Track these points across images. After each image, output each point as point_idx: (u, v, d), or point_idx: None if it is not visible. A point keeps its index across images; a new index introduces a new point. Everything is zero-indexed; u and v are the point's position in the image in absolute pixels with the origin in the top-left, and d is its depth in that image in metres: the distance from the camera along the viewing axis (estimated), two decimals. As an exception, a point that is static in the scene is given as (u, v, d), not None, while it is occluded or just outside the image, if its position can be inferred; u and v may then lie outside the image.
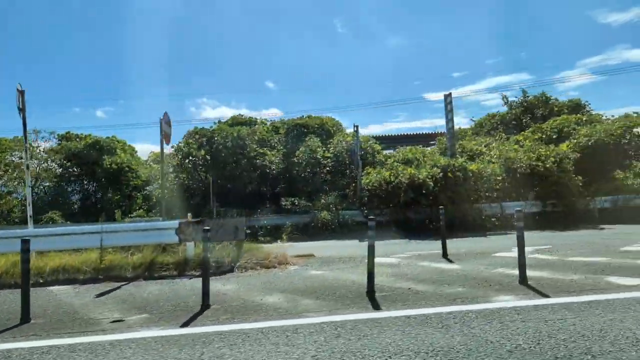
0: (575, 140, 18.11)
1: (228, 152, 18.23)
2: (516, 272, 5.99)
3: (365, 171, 17.65)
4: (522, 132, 20.66)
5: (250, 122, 21.17)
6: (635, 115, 19.69)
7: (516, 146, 18.56)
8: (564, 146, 17.92)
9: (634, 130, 18.27)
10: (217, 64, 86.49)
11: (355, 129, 18.48)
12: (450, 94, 18.66)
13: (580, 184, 16.79)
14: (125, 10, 71.55)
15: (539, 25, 72.14)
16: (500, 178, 17.06)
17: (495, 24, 68.05)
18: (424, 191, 15.69)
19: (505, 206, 17.01)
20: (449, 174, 15.77)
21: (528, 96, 24.00)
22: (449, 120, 18.68)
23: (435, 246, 10.01)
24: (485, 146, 19.95)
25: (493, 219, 16.06)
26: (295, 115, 23.07)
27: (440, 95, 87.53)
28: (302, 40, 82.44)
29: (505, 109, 25.02)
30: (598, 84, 63.31)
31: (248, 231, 16.57)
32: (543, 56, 72.10)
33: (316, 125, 20.96)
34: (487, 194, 16.91)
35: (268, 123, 22.33)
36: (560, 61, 66.96)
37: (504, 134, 21.76)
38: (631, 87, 62.10)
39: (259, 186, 19.26)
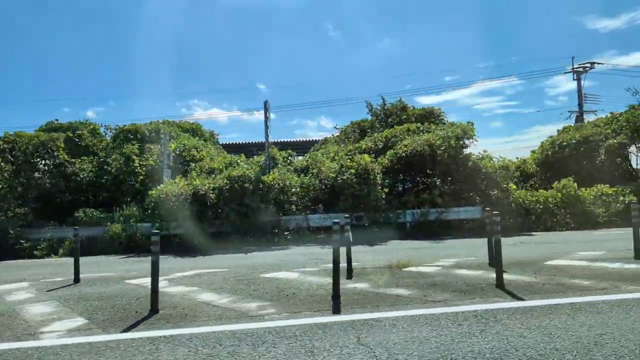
0: (393, 151, 17.53)
1: (27, 160, 17.06)
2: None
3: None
4: (359, 142, 20.05)
5: (70, 128, 19.98)
6: (470, 124, 19.34)
7: (336, 156, 17.92)
8: (390, 154, 17.40)
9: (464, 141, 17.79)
10: (209, 65, 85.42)
11: (165, 136, 17.51)
12: (266, 101, 17.93)
13: (386, 196, 16.24)
14: (112, 11, 70.09)
15: (529, 31, 72.67)
16: (309, 189, 16.38)
17: (485, 28, 68.39)
18: (208, 203, 14.85)
19: (311, 218, 16.36)
20: (236, 186, 14.95)
21: (386, 104, 23.51)
22: (267, 130, 17.96)
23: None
24: (331, 155, 19.23)
25: (286, 233, 15.33)
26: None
27: (432, 99, 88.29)
28: (293, 43, 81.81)
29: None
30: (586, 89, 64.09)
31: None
32: (533, 61, 72.66)
33: (147, 131, 19.91)
34: (293, 206, 16.22)
35: (102, 128, 21.19)
36: (550, 66, 67.87)
37: (350, 143, 21.15)
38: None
39: (72, 196, 18.12)
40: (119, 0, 70.71)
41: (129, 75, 75.08)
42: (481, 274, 7.04)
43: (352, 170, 15.88)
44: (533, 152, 21.89)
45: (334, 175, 15.85)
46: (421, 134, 18.67)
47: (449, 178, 16.98)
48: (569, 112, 32.74)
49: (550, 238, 13.14)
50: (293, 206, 15.59)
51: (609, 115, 20.71)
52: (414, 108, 23.18)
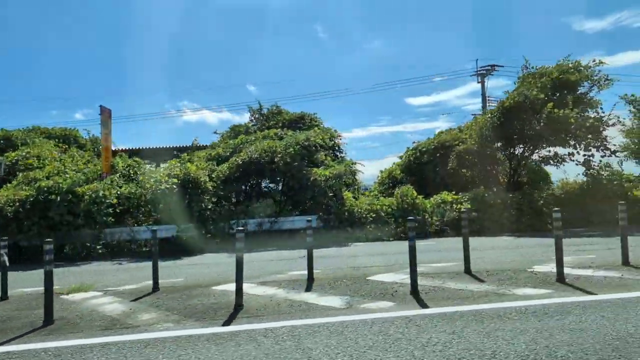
0: (233, 159, 16.97)
1: None
2: None
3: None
4: (214, 149, 19.46)
5: None
6: (318, 130, 19.01)
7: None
8: (230, 161, 16.82)
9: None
10: (199, 66, 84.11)
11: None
12: (101, 105, 17.13)
13: (220, 206, 15.69)
14: (106, 14, 68.22)
15: (517, 32, 73.40)
16: (131, 199, 15.66)
17: (474, 30, 68.68)
18: (9, 216, 13.99)
19: (136, 231, 15.66)
20: (40, 198, 14.12)
21: (263, 108, 23.02)
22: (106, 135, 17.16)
23: None
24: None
25: (99, 247, 14.60)
26: None
27: (422, 100, 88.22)
28: (283, 44, 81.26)
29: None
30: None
31: None
32: (521, 62, 73.38)
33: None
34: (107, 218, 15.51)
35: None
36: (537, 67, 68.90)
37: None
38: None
39: None
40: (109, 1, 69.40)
41: (119, 76, 73.58)
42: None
43: (175, 180, 15.23)
44: (400, 157, 21.69)
45: (149, 186, 15.17)
46: (272, 140, 18.20)
47: (289, 186, 16.51)
48: (472, 115, 32.89)
49: (350, 251, 12.75)
50: (107, 218, 14.81)
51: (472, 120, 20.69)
52: (288, 113, 22.76)
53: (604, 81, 18.76)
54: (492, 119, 17.38)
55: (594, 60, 19.04)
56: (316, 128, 19.42)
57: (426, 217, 16.17)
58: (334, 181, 15.90)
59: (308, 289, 6.88)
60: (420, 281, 6.61)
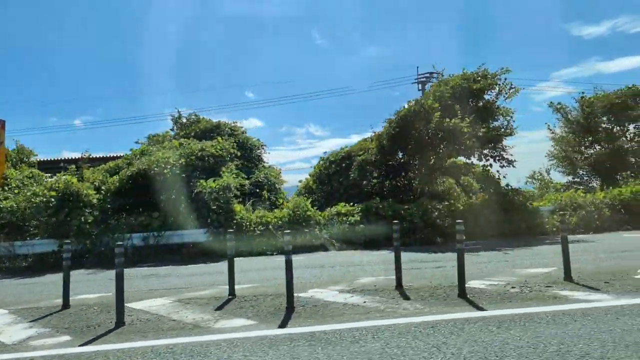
0: (124, 171, 16.65)
1: None
2: None
3: None
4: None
5: None
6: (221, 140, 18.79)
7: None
8: (121, 174, 16.50)
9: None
10: (197, 73, 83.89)
11: None
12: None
13: (106, 220, 15.37)
14: (103, 20, 67.96)
15: (515, 38, 73.69)
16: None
17: (472, 36, 68.83)
18: None
19: (17, 245, 15.32)
20: None
21: (182, 117, 22.72)
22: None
23: None
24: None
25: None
26: None
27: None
28: (282, 50, 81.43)
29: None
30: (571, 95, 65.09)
31: None
32: (520, 68, 73.56)
33: None
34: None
35: None
36: (536, 73, 69.18)
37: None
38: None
39: None
40: (113, 11, 69.60)
41: (118, 80, 73.56)
42: None
43: (53, 193, 14.90)
44: (314, 166, 21.46)
45: (22, 199, 14.82)
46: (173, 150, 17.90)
47: (175, 198, 16.20)
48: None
49: (210, 268, 12.45)
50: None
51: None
52: (208, 121, 22.47)
53: (509, 89, 18.70)
54: (389, 129, 17.19)
55: (502, 69, 18.96)
56: (219, 138, 19.12)
57: (316, 230, 15.91)
58: (220, 193, 15.59)
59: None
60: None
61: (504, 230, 16.13)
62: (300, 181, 22.22)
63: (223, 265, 11.69)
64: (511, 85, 18.79)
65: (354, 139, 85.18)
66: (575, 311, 5.27)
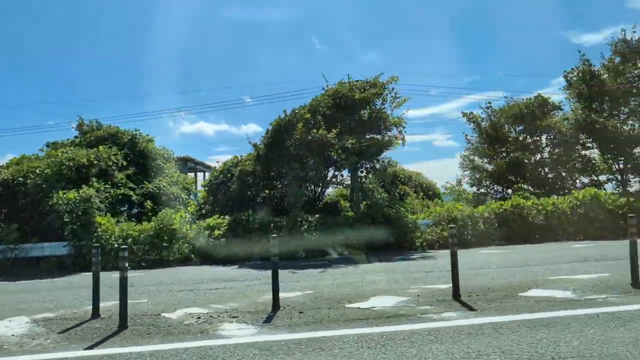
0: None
1: None
2: None
3: None
4: None
5: None
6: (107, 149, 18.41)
7: None
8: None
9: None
10: (196, 79, 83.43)
11: None
12: None
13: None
14: (100, 24, 67.48)
15: (515, 45, 73.66)
16: None
17: (471, 43, 68.70)
18: None
19: None
20: None
21: (84, 124, 22.32)
22: None
23: None
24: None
25: None
26: None
27: (418, 112, 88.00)
28: (281, 56, 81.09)
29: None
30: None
31: None
32: (519, 75, 73.51)
33: None
34: None
35: None
36: (535, 80, 69.08)
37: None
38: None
39: None
40: (112, 15, 69.09)
41: (118, 88, 72.79)
42: None
43: None
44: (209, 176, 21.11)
45: None
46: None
47: (31, 210, 15.82)
48: None
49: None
50: None
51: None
52: (111, 128, 22.06)
53: (394, 99, 18.46)
54: (265, 138, 16.89)
55: (392, 77, 18.72)
56: (101, 147, 18.73)
57: (179, 244, 15.54)
58: (78, 205, 15.18)
59: None
60: None
61: (374, 244, 15.86)
62: (200, 191, 21.88)
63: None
64: (396, 94, 18.59)
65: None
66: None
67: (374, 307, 6.46)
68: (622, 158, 20.09)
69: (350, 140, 16.12)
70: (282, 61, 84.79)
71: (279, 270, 6.94)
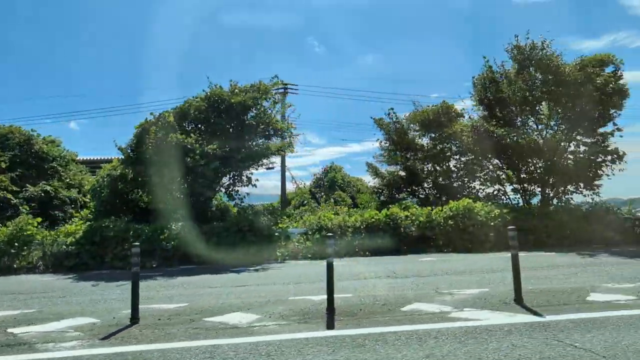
0: None
1: None
2: None
3: None
4: None
5: None
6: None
7: None
8: None
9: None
10: (195, 81, 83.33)
11: None
12: None
13: None
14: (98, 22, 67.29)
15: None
16: None
17: (471, 47, 68.58)
18: None
19: None
20: None
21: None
22: None
23: None
24: None
25: None
26: None
27: None
28: (279, 58, 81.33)
29: None
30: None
31: None
32: None
33: None
34: None
35: None
36: None
37: None
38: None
39: None
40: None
41: (115, 88, 72.89)
42: None
43: None
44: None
45: None
46: None
47: None
48: None
49: None
50: None
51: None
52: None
53: (275, 103, 18.15)
54: (131, 143, 16.48)
55: (276, 82, 18.42)
56: None
57: (28, 251, 15.14)
58: None
59: None
60: None
61: (237, 255, 15.53)
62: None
63: None
64: (275, 98, 18.30)
65: (353, 148, 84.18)
66: None
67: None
68: (523, 168, 19.72)
69: (211, 146, 15.71)
70: (280, 63, 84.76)
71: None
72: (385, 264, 12.94)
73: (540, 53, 18.54)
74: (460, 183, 22.34)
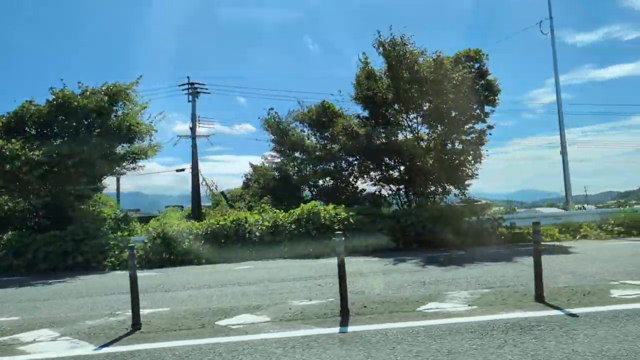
0: None
1: None
2: None
3: None
4: None
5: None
6: None
7: None
8: None
9: None
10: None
11: None
12: None
13: None
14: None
15: (509, 45, 73.01)
16: None
17: (464, 43, 67.80)
18: None
19: None
20: None
21: None
22: None
23: None
24: None
25: None
26: None
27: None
28: (274, 56, 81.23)
29: None
30: (565, 102, 64.17)
31: None
32: (513, 75, 72.82)
33: None
34: None
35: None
36: (529, 80, 68.33)
37: None
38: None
39: None
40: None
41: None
42: None
43: None
44: None
45: None
46: None
47: None
48: (178, 136, 31.51)
49: None
50: None
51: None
52: None
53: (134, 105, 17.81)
54: None
55: (132, 82, 17.95)
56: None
57: None
58: None
59: None
60: None
61: (66, 264, 15.10)
62: None
63: None
64: (135, 102, 17.85)
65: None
66: None
67: None
68: (385, 168, 19.30)
69: (35, 152, 15.17)
70: (276, 61, 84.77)
71: None
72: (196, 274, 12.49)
73: (401, 49, 18.02)
74: (344, 185, 21.89)
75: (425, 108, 18.50)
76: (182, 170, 34.07)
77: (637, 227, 16.74)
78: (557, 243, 16.04)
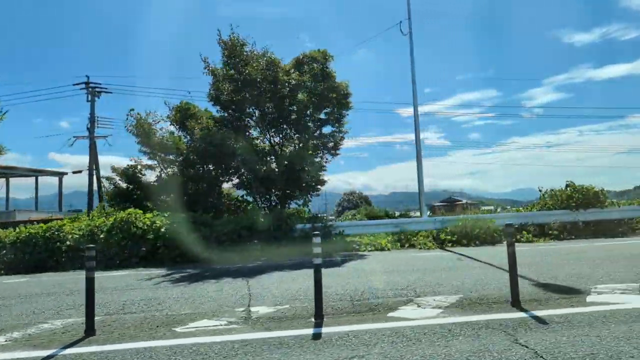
0: None
1: None
2: None
3: None
4: None
5: None
6: None
7: None
8: None
9: None
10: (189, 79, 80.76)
11: None
12: None
13: None
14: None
15: (507, 44, 72.33)
16: None
17: (464, 42, 66.65)
18: None
19: None
20: None
21: None
22: None
23: None
24: None
25: None
26: None
27: (410, 111, 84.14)
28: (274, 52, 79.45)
29: None
30: (562, 101, 62.97)
31: None
32: (511, 74, 71.79)
33: None
34: None
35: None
36: (527, 79, 67.41)
37: None
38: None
39: None
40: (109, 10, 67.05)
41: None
42: None
43: None
44: None
45: None
46: None
47: None
48: (74, 137, 30.54)
49: None
50: None
51: None
52: None
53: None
54: None
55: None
56: None
57: None
58: None
59: None
60: None
61: None
62: None
63: None
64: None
65: (345, 143, 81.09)
66: None
67: None
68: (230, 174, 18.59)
69: None
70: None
71: None
72: None
73: (240, 50, 17.29)
74: (209, 190, 21.05)
75: (267, 110, 17.82)
76: (80, 172, 33.07)
77: (470, 237, 16.11)
78: (365, 253, 15.04)
